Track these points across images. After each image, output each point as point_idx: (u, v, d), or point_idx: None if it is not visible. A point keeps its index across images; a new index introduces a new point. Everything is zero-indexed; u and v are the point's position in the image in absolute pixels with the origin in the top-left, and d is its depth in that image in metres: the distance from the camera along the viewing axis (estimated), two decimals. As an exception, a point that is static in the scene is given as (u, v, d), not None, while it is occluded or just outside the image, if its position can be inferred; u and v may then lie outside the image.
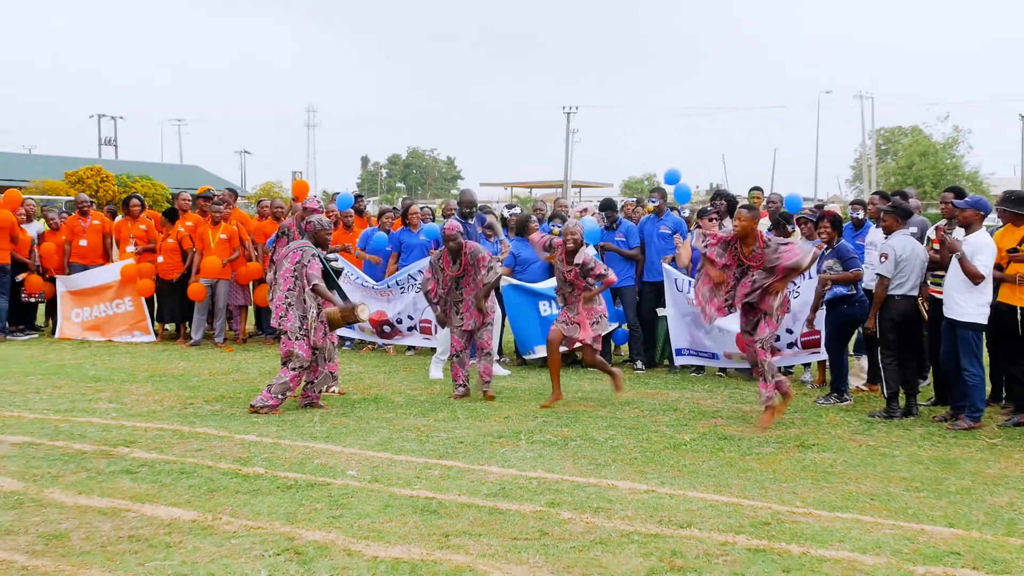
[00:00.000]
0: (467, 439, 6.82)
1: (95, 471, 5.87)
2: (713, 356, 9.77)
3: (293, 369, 7.71)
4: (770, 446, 6.74)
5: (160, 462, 6.08)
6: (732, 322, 8.82)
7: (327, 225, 8.01)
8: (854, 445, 6.82)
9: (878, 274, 7.74)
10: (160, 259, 12.03)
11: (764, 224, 10.04)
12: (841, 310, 8.29)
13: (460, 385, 8.53)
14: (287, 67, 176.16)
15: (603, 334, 8.36)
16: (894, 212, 7.88)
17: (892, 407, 7.76)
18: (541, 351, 10.11)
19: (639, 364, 10.29)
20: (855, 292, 8.25)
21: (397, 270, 11.09)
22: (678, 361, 10.05)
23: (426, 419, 7.53)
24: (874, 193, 9.07)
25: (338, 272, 8.38)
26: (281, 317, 7.73)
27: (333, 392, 8.36)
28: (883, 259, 7.70)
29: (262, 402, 7.67)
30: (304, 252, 7.75)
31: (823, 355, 9.14)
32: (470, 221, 9.98)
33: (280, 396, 7.70)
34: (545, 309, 10.06)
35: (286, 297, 7.71)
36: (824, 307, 8.51)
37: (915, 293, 7.74)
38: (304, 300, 7.71)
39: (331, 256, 8.54)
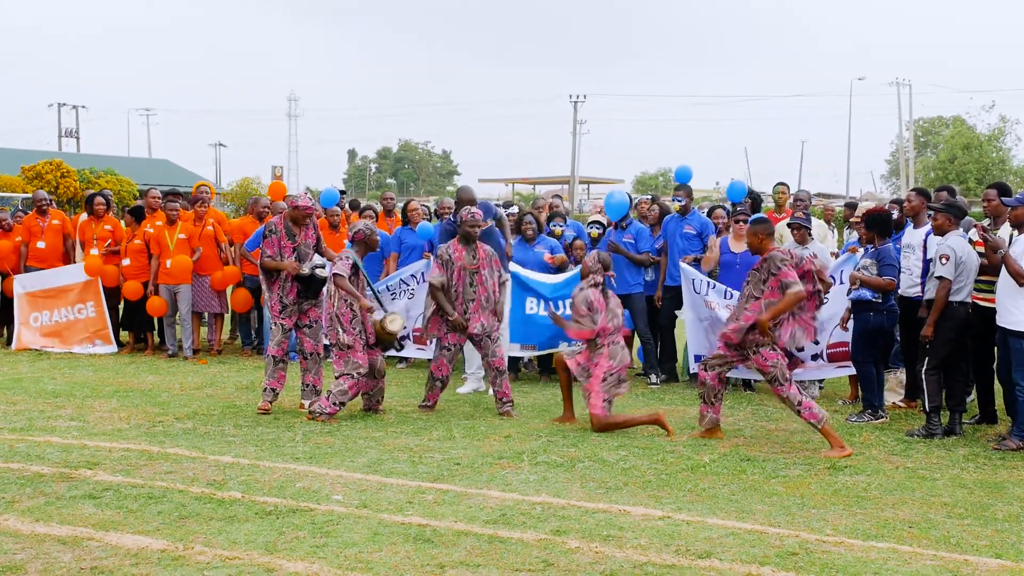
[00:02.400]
0: (464, 460, 6.83)
1: (54, 496, 5.87)
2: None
3: (352, 378, 8.12)
4: (798, 468, 6.75)
5: (126, 486, 6.08)
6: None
7: (374, 228, 8.57)
8: (890, 467, 6.82)
9: (939, 277, 7.66)
10: (126, 262, 12.05)
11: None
12: (867, 317, 8.28)
13: (429, 404, 8.68)
14: (266, 52, 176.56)
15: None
16: (947, 210, 7.86)
17: (933, 424, 7.76)
18: (513, 350, 10.06)
19: (653, 378, 10.30)
20: (883, 301, 8.25)
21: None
22: (695, 368, 10.05)
23: (419, 438, 7.54)
24: (912, 190, 9.05)
25: (323, 280, 8.53)
26: (329, 329, 8.24)
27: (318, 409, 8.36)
28: (944, 261, 7.64)
29: (320, 408, 8.09)
30: (341, 255, 8.32)
31: (853, 370, 9.15)
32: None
33: (338, 404, 8.14)
34: (531, 307, 10.07)
35: (333, 306, 8.21)
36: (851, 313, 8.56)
37: (970, 300, 7.74)
38: (349, 309, 8.15)
39: (319, 263, 8.70)
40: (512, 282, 10.00)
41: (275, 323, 8.63)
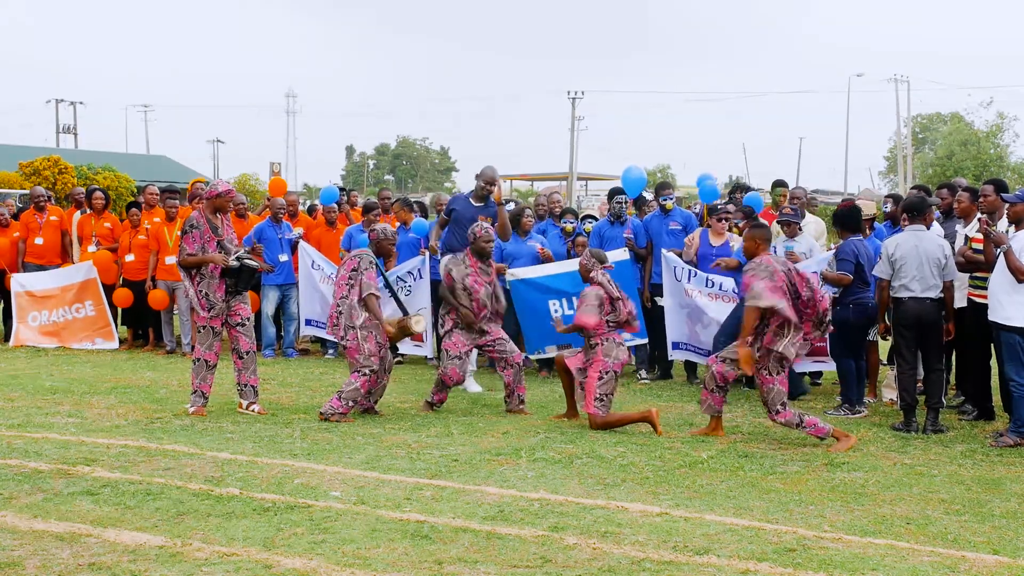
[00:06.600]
0: (462, 457, 6.83)
1: (52, 492, 5.87)
2: (709, 353, 9.83)
3: (364, 374, 8.00)
4: (795, 464, 6.75)
5: (124, 482, 6.08)
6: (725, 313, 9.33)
7: (391, 235, 8.37)
8: (888, 464, 6.83)
9: (873, 275, 7.93)
10: (130, 257, 12.04)
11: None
12: (835, 312, 8.33)
13: (434, 403, 8.56)
14: (264, 49, 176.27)
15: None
16: (904, 208, 8.11)
17: (909, 420, 7.82)
18: (552, 351, 10.09)
19: (643, 374, 10.33)
20: (845, 295, 8.33)
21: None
22: (674, 356, 10.22)
23: (417, 435, 7.54)
24: (912, 187, 9.16)
25: (252, 269, 8.12)
26: (334, 326, 8.13)
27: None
28: (879, 259, 7.87)
29: (331, 409, 7.96)
30: (362, 259, 8.10)
31: (830, 365, 9.28)
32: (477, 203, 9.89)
33: (351, 403, 8.01)
34: (556, 310, 10.05)
35: (338, 305, 8.11)
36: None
37: (932, 295, 7.76)
38: (354, 309, 8.04)
39: (244, 254, 8.13)
40: (532, 289, 10.02)
41: (204, 326, 8.14)
